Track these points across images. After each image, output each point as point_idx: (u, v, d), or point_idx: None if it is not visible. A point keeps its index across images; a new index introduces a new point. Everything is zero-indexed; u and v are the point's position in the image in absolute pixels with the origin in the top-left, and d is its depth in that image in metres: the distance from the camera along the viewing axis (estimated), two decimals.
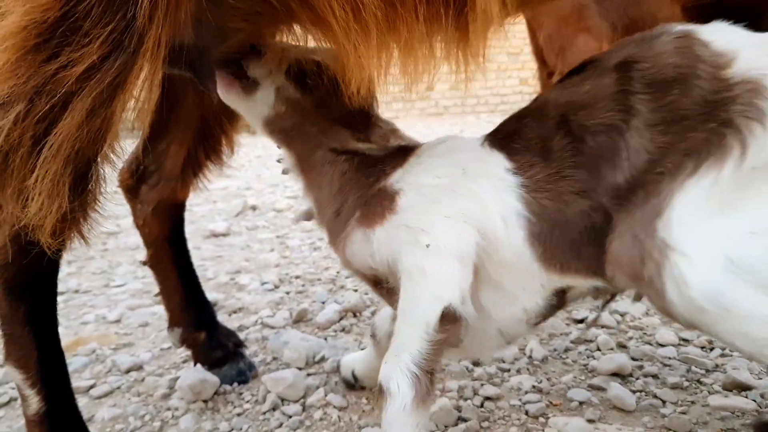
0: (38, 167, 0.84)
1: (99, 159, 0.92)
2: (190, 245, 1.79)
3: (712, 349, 1.63)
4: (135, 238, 3.19)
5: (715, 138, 0.79)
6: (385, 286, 1.11)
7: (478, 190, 0.97)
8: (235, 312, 2.21)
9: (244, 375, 1.66)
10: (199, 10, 0.94)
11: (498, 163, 0.97)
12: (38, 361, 1.07)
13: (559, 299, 0.99)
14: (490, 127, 1.08)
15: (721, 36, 0.85)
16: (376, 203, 1.06)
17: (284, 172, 1.24)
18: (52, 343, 1.11)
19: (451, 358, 1.55)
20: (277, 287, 2.45)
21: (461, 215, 0.97)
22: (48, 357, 1.09)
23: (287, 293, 2.35)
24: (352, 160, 1.14)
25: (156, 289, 2.24)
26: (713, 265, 0.75)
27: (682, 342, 1.66)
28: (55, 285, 1.12)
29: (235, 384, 1.63)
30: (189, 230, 3.65)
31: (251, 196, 4.64)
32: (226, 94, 1.18)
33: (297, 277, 2.57)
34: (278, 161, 1.25)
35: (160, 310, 2.25)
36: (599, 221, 0.88)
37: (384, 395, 0.95)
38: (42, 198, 0.86)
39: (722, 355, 1.59)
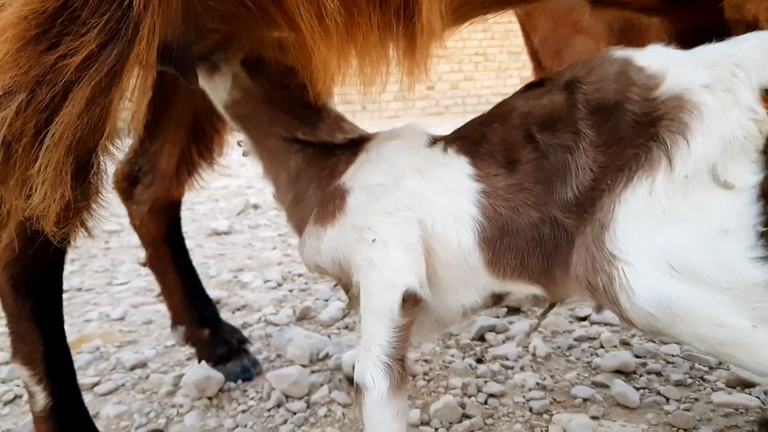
0: (41, 156, 0.84)
1: (99, 149, 0.92)
2: (192, 244, 1.80)
3: None
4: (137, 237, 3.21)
5: (643, 152, 0.83)
6: (339, 284, 1.16)
7: (426, 192, 1.01)
8: (238, 309, 2.21)
9: (249, 372, 1.67)
10: (188, 7, 0.96)
11: (460, 168, 1.00)
12: (44, 357, 1.08)
13: (496, 299, 1.04)
14: None
15: (655, 59, 0.89)
16: (329, 202, 1.10)
17: (244, 154, 1.29)
18: (58, 339, 1.11)
19: None
20: (280, 285, 2.46)
21: (403, 210, 1.01)
22: (54, 353, 1.10)
23: (290, 291, 2.35)
24: (306, 151, 1.19)
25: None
26: (656, 272, 0.78)
27: None
28: (60, 281, 1.13)
29: (240, 381, 1.64)
30: (191, 229, 3.68)
31: (253, 195, 4.65)
32: (207, 80, 1.23)
33: (300, 275, 2.58)
34: (238, 144, 1.30)
35: (164, 308, 2.24)
36: (548, 233, 0.92)
37: (361, 391, 0.98)
38: (45, 187, 0.86)
39: None
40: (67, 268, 2.88)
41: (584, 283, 0.85)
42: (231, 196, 4.69)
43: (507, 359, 1.64)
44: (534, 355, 1.65)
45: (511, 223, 0.94)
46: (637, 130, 0.85)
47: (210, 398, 1.56)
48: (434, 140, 1.08)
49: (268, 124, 1.20)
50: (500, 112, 1.02)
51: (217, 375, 1.60)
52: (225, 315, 2.11)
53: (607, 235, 0.82)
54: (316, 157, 1.18)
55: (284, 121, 1.19)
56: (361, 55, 1.04)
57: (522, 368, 1.58)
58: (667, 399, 1.39)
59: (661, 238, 0.79)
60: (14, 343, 1.09)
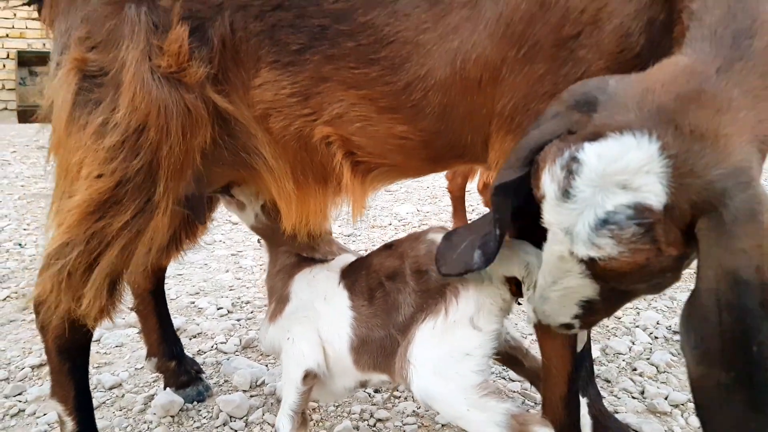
0: (90, 281, 1.42)
1: (125, 274, 1.47)
2: None
3: None
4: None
5: (435, 302, 1.41)
6: None
7: (327, 314, 1.59)
8: (194, 337, 2.73)
9: (202, 395, 2.20)
10: (198, 176, 1.51)
11: (343, 299, 1.58)
12: (75, 398, 1.61)
13: (364, 383, 1.61)
14: None
15: None
16: (279, 303, 1.70)
17: (261, 246, 1.93)
18: (84, 387, 1.64)
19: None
20: (230, 312, 2.98)
21: (310, 322, 1.60)
22: (81, 396, 1.63)
23: (238, 320, 2.88)
24: (298, 257, 1.79)
25: (126, 312, 2.75)
26: (426, 373, 1.35)
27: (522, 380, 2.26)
28: (89, 350, 1.66)
29: (195, 402, 2.17)
30: None
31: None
32: (228, 207, 1.88)
33: (248, 302, 3.11)
34: (258, 242, 1.91)
35: (132, 332, 2.76)
36: (388, 343, 1.48)
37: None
38: (89, 299, 1.43)
39: None
40: None
41: (398, 375, 1.43)
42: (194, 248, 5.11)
43: (397, 389, 2.21)
44: None
45: (368, 337, 1.51)
46: (437, 287, 1.42)
47: (173, 416, 2.08)
48: (339, 272, 1.65)
49: (280, 244, 1.80)
50: (366, 263, 1.60)
51: (178, 399, 2.13)
52: (184, 341, 2.62)
53: (409, 348, 1.40)
54: (296, 263, 1.78)
55: (291, 244, 1.77)
56: (314, 210, 1.63)
57: (406, 398, 2.16)
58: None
59: (434, 354, 1.36)
60: (54, 387, 1.61)
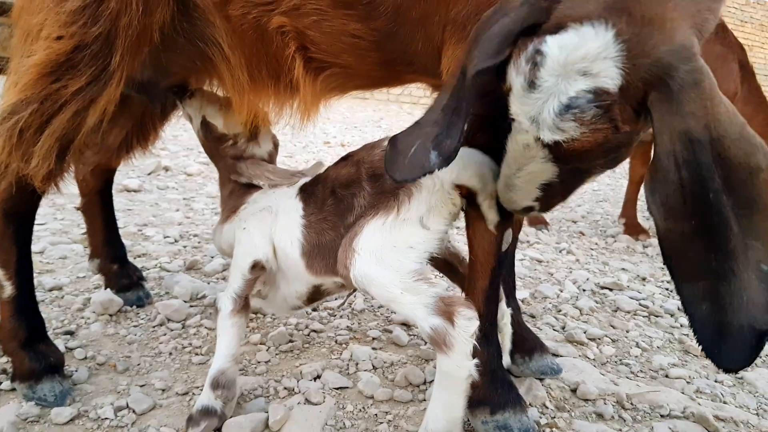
0: (40, 141, 1.46)
1: (75, 142, 1.51)
2: None
3: None
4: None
5: (389, 202, 1.45)
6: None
7: (281, 223, 1.64)
8: (139, 256, 2.76)
9: (142, 301, 2.24)
10: (155, 61, 1.55)
11: (298, 209, 1.63)
12: (16, 263, 1.62)
13: (317, 291, 1.66)
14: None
15: None
16: (233, 210, 1.78)
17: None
18: (26, 254, 1.66)
19: (260, 308, 2.18)
20: (177, 241, 3.02)
21: (266, 222, 1.66)
22: (22, 262, 1.64)
23: (185, 247, 2.92)
24: (238, 183, 1.85)
25: (72, 230, 2.78)
26: (368, 258, 1.39)
27: None
28: (33, 218, 1.68)
29: (135, 306, 2.21)
30: None
31: (165, 157, 5.09)
32: (185, 118, 1.93)
33: (195, 235, 3.15)
34: None
35: (78, 247, 2.78)
36: (338, 243, 1.51)
37: (217, 311, 1.64)
38: (39, 159, 1.46)
39: None
40: None
41: (341, 264, 1.47)
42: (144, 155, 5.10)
43: (334, 309, 2.30)
44: (353, 309, 2.32)
45: (318, 241, 1.57)
46: (391, 189, 1.46)
47: (111, 315, 2.13)
48: (298, 188, 1.71)
49: (216, 163, 1.89)
50: (323, 177, 1.65)
51: (118, 299, 2.17)
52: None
53: (356, 239, 1.44)
54: (243, 187, 1.83)
55: (222, 165, 1.86)
56: (264, 108, 1.71)
57: (341, 317, 2.25)
58: (425, 342, 2.09)
59: (378, 243, 1.40)
60: None
